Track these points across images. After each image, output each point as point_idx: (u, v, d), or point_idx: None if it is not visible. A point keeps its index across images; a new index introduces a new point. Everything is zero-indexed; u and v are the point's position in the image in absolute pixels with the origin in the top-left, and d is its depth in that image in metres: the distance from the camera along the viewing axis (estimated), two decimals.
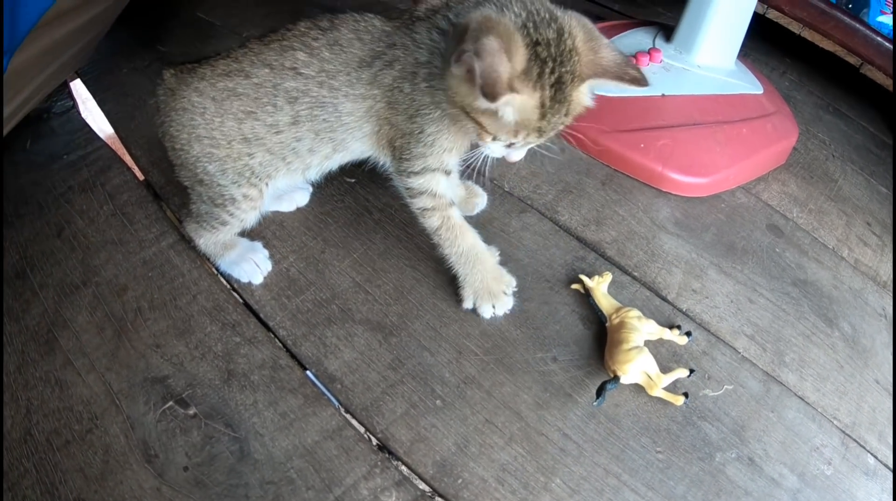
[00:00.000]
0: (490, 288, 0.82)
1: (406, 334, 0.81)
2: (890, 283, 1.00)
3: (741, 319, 0.88)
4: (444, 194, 0.79)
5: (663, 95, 1.05)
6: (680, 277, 0.91)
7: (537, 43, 0.62)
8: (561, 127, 0.69)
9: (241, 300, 0.84)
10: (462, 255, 0.81)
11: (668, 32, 1.15)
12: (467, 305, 0.83)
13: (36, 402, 0.74)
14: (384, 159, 0.81)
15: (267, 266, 0.86)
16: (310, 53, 0.74)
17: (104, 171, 0.98)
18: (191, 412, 0.74)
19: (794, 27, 1.28)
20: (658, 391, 0.77)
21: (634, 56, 1.07)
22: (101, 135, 1.05)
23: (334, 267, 0.87)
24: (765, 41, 1.41)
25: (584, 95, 0.69)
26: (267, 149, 0.77)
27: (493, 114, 0.64)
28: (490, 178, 1.00)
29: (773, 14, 1.26)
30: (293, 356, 0.79)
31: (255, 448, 0.71)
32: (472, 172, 0.80)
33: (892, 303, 0.97)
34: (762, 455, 0.76)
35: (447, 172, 0.78)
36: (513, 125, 0.66)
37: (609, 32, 1.17)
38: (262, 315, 0.82)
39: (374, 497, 0.68)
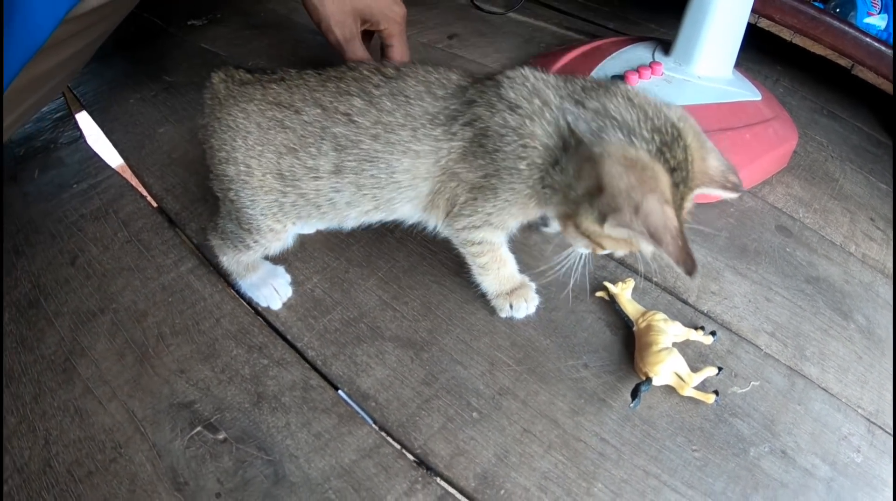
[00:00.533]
0: (517, 291, 0.83)
1: (437, 348, 0.81)
2: None
3: (760, 317, 0.89)
4: (501, 244, 0.78)
5: None
6: (698, 280, 0.92)
7: (674, 169, 0.60)
8: None
9: (266, 323, 0.84)
10: (499, 279, 0.81)
11: (665, 46, 1.17)
12: (504, 313, 0.83)
13: (55, 432, 0.72)
14: (433, 221, 0.78)
15: (287, 292, 0.85)
16: (368, 101, 0.71)
17: (116, 199, 0.98)
18: (220, 436, 0.72)
19: (786, 34, 1.30)
20: (689, 391, 0.78)
21: (637, 70, 1.09)
22: (111, 164, 1.06)
23: (359, 286, 0.88)
24: (757, 50, 1.43)
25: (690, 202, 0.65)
26: (301, 193, 0.74)
27: (624, 240, 0.63)
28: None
29: (764, 23, 1.29)
30: (324, 376, 0.79)
31: (291, 470, 0.70)
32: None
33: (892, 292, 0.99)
34: (794, 448, 0.77)
35: (505, 232, 0.77)
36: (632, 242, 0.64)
37: (609, 49, 1.19)
38: (289, 337, 0.82)
39: None
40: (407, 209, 0.76)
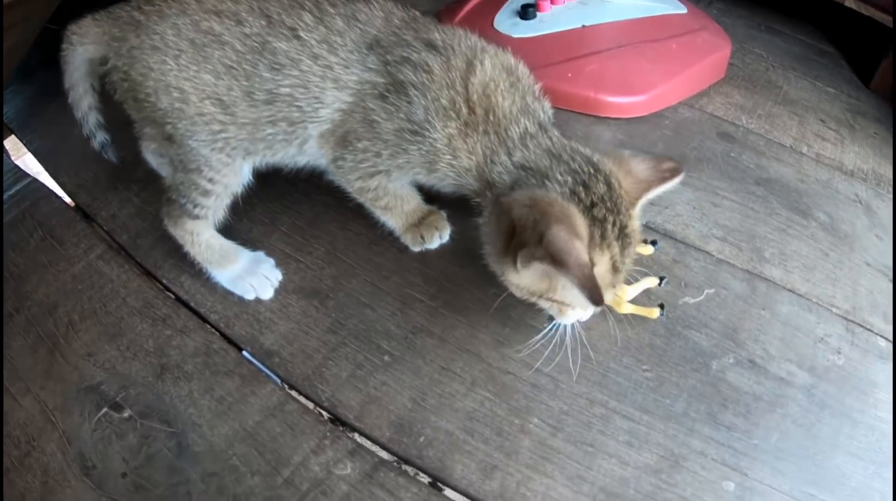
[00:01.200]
0: (427, 221, 0.74)
1: (343, 294, 0.71)
2: (858, 171, 0.92)
3: (708, 223, 0.79)
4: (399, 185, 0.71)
5: (584, 26, 0.97)
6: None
7: (593, 205, 0.57)
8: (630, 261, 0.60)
9: (171, 295, 0.74)
10: (405, 214, 0.72)
11: None
12: (417, 247, 0.74)
13: None
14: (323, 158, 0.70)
15: (277, 275, 0.73)
16: (319, 18, 0.63)
17: (34, 204, 0.89)
18: (125, 414, 0.64)
19: None
20: (627, 307, 0.67)
21: None
22: (30, 172, 0.97)
23: (262, 244, 0.77)
24: None
25: (637, 219, 0.61)
26: (239, 126, 0.65)
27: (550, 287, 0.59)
28: None
29: None
30: (227, 338, 0.69)
31: (194, 439, 0.62)
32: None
33: (864, 189, 0.89)
34: (763, 356, 0.67)
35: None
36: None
37: None
38: (192, 304, 0.73)
39: (327, 472, 0.58)
40: (314, 147, 0.68)
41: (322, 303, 0.70)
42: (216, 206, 0.69)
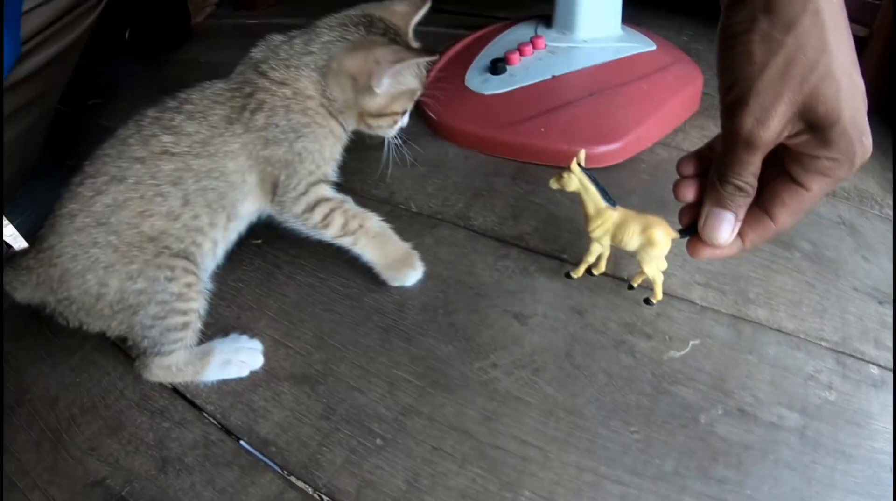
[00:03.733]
0: (404, 259, 0.78)
1: (333, 379, 0.69)
2: (839, 191, 0.89)
3: (690, 270, 0.77)
4: (334, 195, 0.76)
5: (554, 77, 0.96)
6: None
7: (384, 33, 0.74)
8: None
9: (168, 385, 0.73)
10: (374, 236, 0.76)
11: (548, 21, 1.06)
12: (395, 282, 0.78)
13: None
14: (270, 207, 0.76)
15: (258, 345, 0.73)
16: (174, 132, 0.69)
17: None
18: None
19: None
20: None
21: (517, 49, 0.99)
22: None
23: (251, 330, 0.76)
24: (655, 7, 1.33)
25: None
26: (176, 238, 0.68)
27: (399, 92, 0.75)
28: (397, 204, 0.91)
29: None
30: (224, 429, 0.67)
31: None
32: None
33: (847, 209, 0.86)
34: (752, 402, 0.64)
35: (328, 183, 0.77)
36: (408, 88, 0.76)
37: (491, 36, 1.09)
38: (187, 395, 0.71)
39: None
40: (249, 206, 0.75)
41: (313, 389, 0.69)
42: (194, 329, 0.71)
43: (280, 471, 0.63)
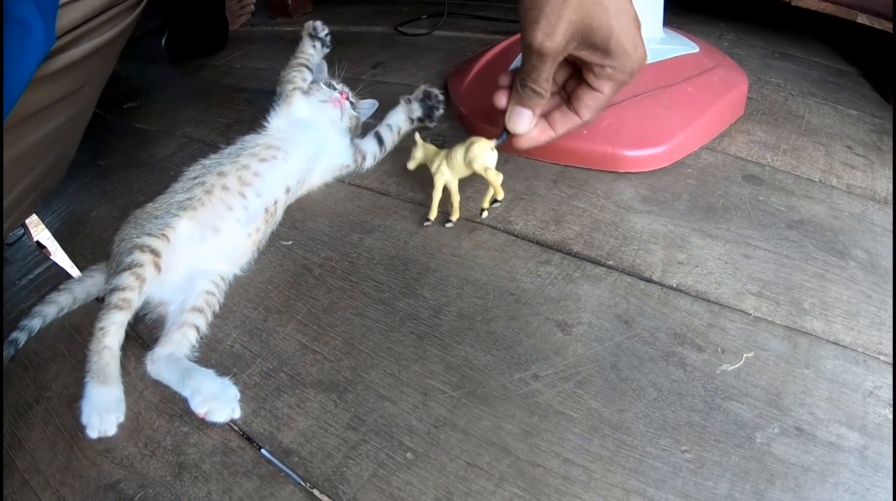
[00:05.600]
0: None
1: (362, 387, 0.64)
2: (891, 197, 0.81)
3: (741, 278, 0.70)
4: None
5: None
6: (661, 253, 0.73)
7: None
8: None
9: None
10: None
11: None
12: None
13: None
14: None
15: (232, 397, 0.65)
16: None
17: (53, 289, 0.85)
18: None
19: None
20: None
21: None
22: (51, 255, 0.96)
23: (278, 333, 0.71)
24: (695, 11, 1.26)
25: None
26: None
27: None
28: (441, 211, 0.85)
29: None
30: (244, 436, 0.62)
31: None
32: None
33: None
34: (810, 421, 0.57)
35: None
36: None
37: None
38: None
39: None
40: None
41: (340, 397, 0.63)
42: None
43: (302, 483, 0.58)
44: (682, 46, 0.95)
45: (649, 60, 0.91)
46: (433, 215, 0.81)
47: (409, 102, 0.97)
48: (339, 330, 0.70)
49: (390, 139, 0.96)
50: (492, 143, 0.75)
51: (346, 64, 1.30)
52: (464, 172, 0.77)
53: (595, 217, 0.79)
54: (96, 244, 0.92)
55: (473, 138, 0.76)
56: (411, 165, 0.83)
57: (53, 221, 1.03)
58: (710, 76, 0.91)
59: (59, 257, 0.96)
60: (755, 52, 1.16)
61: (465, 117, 0.99)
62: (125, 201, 1.03)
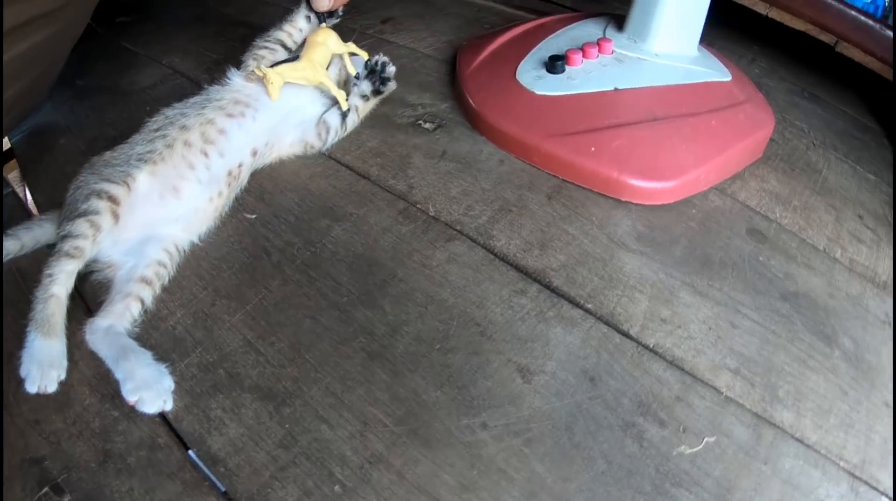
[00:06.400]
0: None
1: (301, 402, 0.58)
2: (890, 283, 0.76)
3: (722, 349, 0.64)
4: None
5: (616, 90, 0.81)
6: (645, 304, 0.67)
7: None
8: None
9: None
10: None
11: (620, 22, 0.91)
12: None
13: None
14: None
15: (166, 388, 0.59)
16: None
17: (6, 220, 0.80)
18: (65, 500, 0.53)
19: (760, 7, 1.03)
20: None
21: (581, 48, 0.84)
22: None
23: (224, 322, 0.65)
24: (729, 28, 1.16)
25: None
26: None
27: None
28: (414, 202, 0.77)
29: None
30: (174, 433, 0.57)
31: None
32: None
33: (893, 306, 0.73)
34: None
35: None
36: None
37: (553, 27, 0.93)
38: None
39: None
40: None
41: (277, 410, 0.57)
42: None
43: (225, 496, 0.53)
44: (714, 71, 0.86)
45: (678, 80, 0.84)
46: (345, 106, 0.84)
47: (356, 83, 0.88)
48: (288, 332, 0.64)
49: (352, 119, 0.87)
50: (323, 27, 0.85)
51: (354, 13, 1.19)
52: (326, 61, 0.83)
53: (584, 248, 0.72)
54: (56, 179, 0.84)
55: (309, 36, 0.83)
56: (275, 95, 0.80)
57: (21, 140, 0.95)
58: (737, 112, 0.83)
59: (18, 186, 0.89)
60: (784, 87, 1.07)
61: (467, 103, 0.89)
62: (94, 134, 0.95)
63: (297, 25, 0.85)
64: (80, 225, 0.63)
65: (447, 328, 0.63)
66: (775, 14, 1.01)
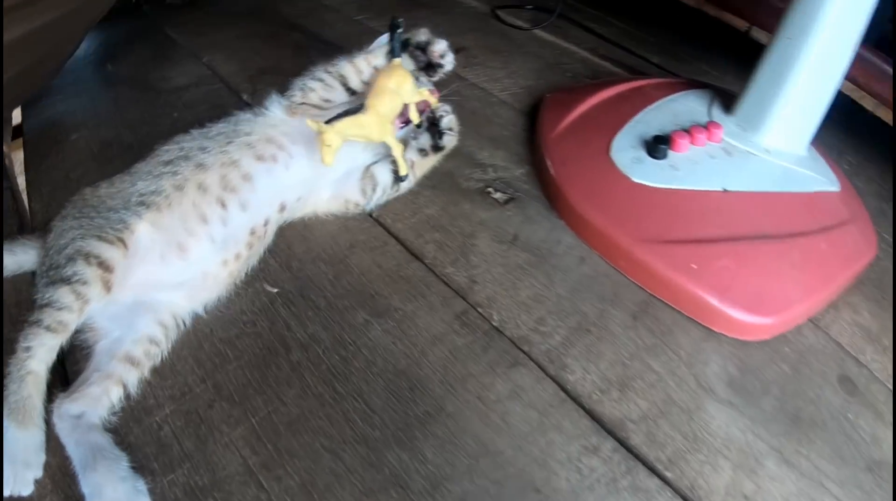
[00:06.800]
0: None
1: None
2: None
3: None
4: None
5: (725, 191, 0.68)
6: (728, 474, 0.55)
7: None
8: None
9: None
10: None
11: (724, 99, 0.78)
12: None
13: None
14: None
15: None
16: None
17: None
18: None
19: (868, 103, 0.91)
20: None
21: (688, 131, 0.70)
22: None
23: (222, 435, 0.51)
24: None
25: None
26: None
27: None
28: (475, 303, 0.64)
29: (845, 86, 0.89)
30: None
31: None
32: None
33: None
34: None
35: None
36: None
37: (652, 94, 0.80)
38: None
39: None
40: None
41: None
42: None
43: None
44: (823, 178, 0.74)
45: (787, 187, 0.71)
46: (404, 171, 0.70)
47: (415, 136, 0.74)
48: (300, 465, 0.50)
49: (407, 180, 0.73)
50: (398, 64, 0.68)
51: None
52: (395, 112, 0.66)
53: (669, 394, 0.60)
54: (58, 185, 0.73)
55: (380, 76, 0.65)
56: (329, 159, 0.61)
57: (33, 127, 0.84)
58: (845, 233, 0.70)
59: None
60: (872, 190, 0.95)
61: (548, 174, 0.75)
62: (109, 135, 0.83)
63: (373, 62, 0.70)
64: (64, 295, 0.50)
65: (500, 492, 0.50)
66: (882, 112, 0.89)
